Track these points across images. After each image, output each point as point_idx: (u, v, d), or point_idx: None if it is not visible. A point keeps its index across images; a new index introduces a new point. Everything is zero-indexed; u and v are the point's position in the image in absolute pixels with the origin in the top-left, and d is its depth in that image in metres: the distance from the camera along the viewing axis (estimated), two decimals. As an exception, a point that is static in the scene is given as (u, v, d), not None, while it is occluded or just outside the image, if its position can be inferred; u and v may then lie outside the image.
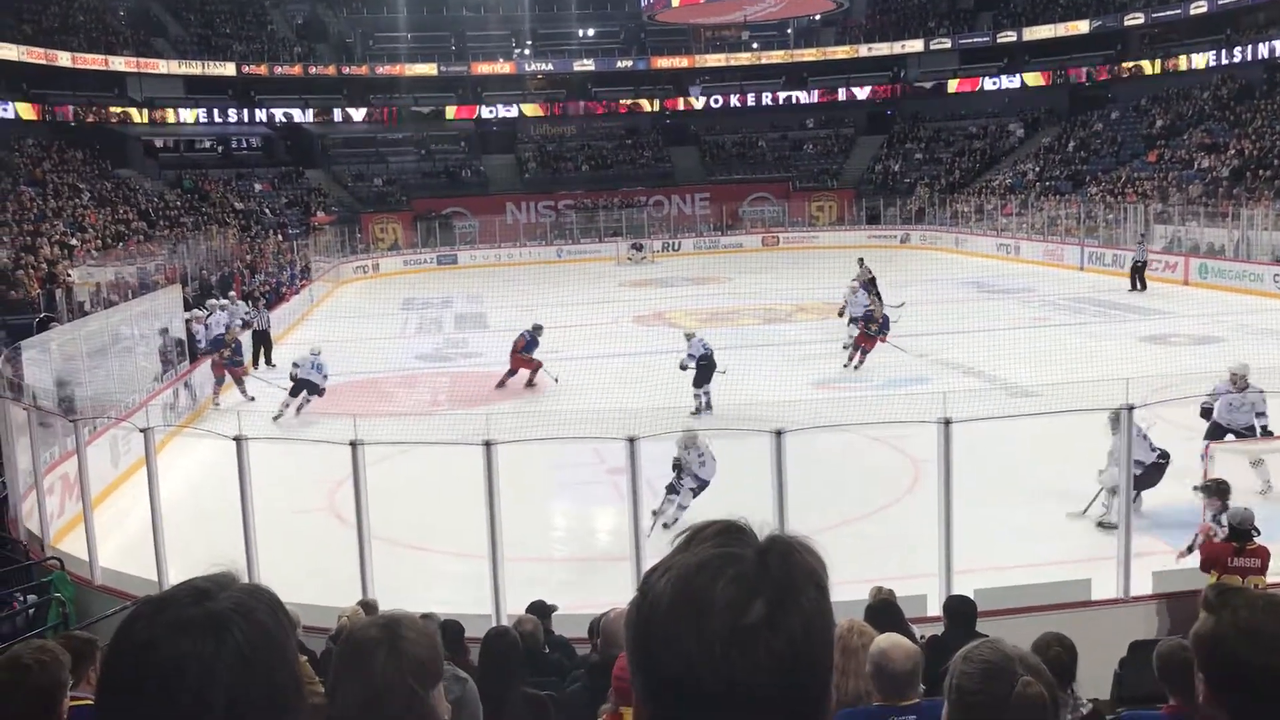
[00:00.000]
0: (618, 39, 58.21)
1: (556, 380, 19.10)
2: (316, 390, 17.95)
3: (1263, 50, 42.57)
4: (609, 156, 55.74)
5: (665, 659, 1.11)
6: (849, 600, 6.52)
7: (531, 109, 56.55)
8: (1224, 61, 44.41)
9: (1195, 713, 3.87)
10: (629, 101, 56.71)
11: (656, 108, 56.98)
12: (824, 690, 1.13)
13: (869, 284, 23.95)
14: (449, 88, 55.90)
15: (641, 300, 32.07)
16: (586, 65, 56.26)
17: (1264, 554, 8.06)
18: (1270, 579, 8.03)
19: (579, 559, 11.74)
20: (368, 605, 7.12)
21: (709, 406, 16.76)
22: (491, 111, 55.94)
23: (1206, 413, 12.08)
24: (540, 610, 7.38)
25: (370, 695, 1.95)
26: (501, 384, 19.33)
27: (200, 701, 1.13)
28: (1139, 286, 29.41)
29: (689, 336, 17.37)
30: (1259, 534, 8.13)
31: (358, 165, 53.58)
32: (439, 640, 2.29)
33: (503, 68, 56.24)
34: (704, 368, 16.89)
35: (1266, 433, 11.93)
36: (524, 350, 19.43)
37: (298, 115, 53.18)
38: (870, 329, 19.80)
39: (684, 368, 17.02)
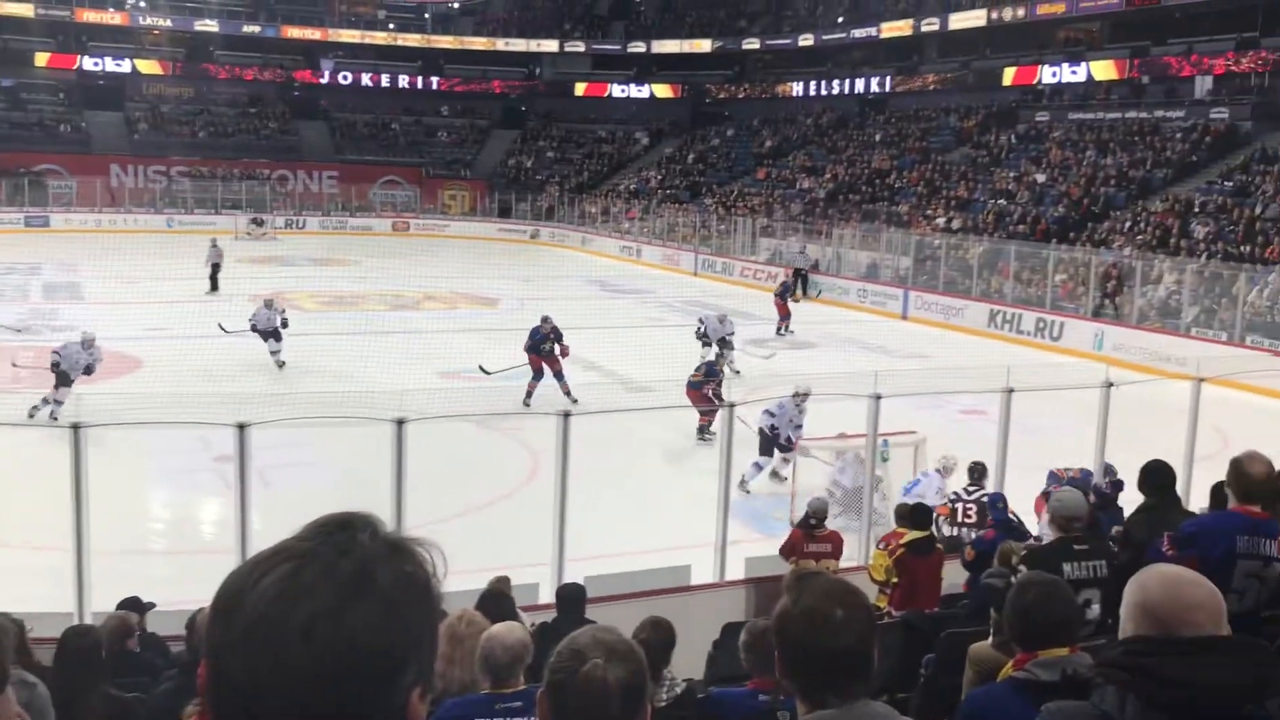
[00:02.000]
0: (246, 1, 55.02)
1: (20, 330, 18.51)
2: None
3: (858, 85, 47.22)
4: (230, 124, 52.64)
5: (206, 650, 1.08)
6: (466, 590, 6.54)
7: (148, 66, 52.26)
8: (824, 92, 48.80)
9: (775, 688, 4.23)
10: (255, 68, 53.88)
11: (284, 78, 54.57)
12: (377, 711, 1.06)
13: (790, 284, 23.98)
14: (49, 33, 50.49)
15: (260, 278, 30.52)
16: (209, 26, 52.78)
17: (835, 539, 8.93)
18: (845, 563, 8.93)
19: (180, 552, 11.01)
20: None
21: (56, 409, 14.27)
22: (97, 64, 51.18)
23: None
24: (133, 606, 6.86)
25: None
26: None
27: None
28: (802, 294, 31.31)
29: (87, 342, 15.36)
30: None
31: (-69, 108, 47.27)
32: (5, 642, 2.10)
33: (113, 18, 51.52)
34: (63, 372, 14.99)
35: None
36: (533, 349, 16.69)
37: None
38: (707, 383, 14.86)
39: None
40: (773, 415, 13.01)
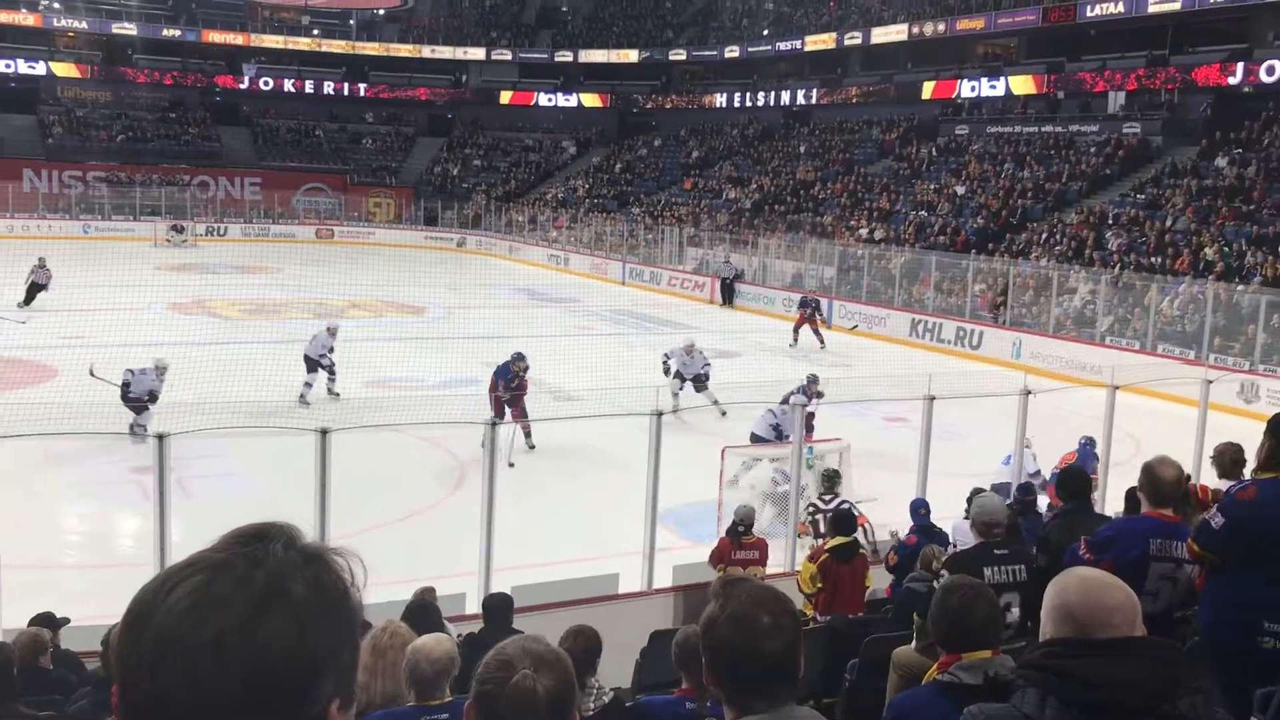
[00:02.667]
0: (166, 5, 53.95)
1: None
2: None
3: (783, 97, 47.73)
4: (149, 129, 51.55)
5: (116, 665, 1.06)
6: (392, 601, 6.48)
7: (64, 69, 50.92)
8: (750, 104, 49.26)
9: (703, 694, 4.24)
10: (176, 73, 52.84)
11: (205, 83, 53.62)
12: None
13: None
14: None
15: (180, 286, 29.97)
16: (128, 29, 51.65)
17: (761, 545, 9.02)
18: (772, 569, 9.01)
19: (96, 566, 10.73)
20: None
21: None
22: (9, 65, 49.81)
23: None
24: (47, 622, 6.68)
25: None
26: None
27: None
28: (728, 301, 31.86)
29: None
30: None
31: None
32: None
33: (25, 19, 50.19)
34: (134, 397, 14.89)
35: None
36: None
37: None
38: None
39: None
40: (776, 416, 13.11)
